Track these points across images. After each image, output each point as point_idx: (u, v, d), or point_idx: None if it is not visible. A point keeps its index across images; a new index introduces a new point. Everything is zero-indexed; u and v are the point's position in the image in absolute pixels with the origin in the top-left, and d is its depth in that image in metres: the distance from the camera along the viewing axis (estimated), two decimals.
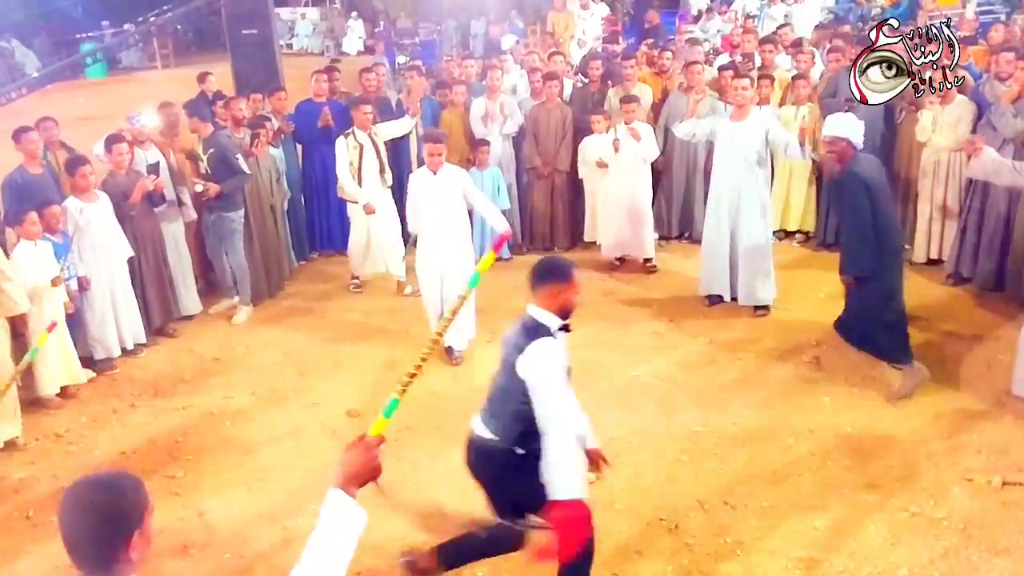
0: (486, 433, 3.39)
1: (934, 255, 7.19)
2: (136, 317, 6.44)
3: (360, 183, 7.08)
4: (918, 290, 6.84)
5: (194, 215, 7.11)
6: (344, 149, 7.08)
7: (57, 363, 5.71)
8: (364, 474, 1.88)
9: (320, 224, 8.47)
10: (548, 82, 8.06)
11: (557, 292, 3.20)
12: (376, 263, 7.45)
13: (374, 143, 7.15)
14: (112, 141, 6.42)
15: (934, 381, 5.36)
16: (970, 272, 6.74)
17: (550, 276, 3.23)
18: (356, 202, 7.17)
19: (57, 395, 5.70)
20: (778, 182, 7.94)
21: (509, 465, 3.29)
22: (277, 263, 7.61)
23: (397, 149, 8.37)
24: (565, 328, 3.23)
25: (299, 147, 8.32)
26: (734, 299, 6.64)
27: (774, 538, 4.01)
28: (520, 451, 3.25)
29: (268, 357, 6.37)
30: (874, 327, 5.28)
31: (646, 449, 4.84)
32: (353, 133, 7.13)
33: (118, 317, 6.27)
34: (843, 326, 5.57)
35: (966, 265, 6.76)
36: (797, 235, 8.09)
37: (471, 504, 4.40)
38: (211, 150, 6.71)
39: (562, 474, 3.03)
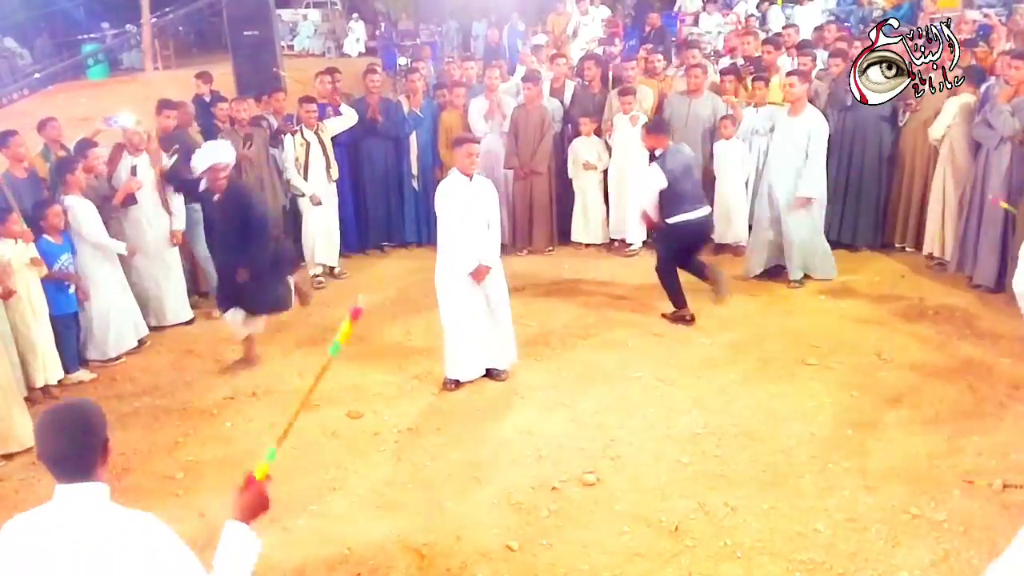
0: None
1: (937, 252, 7.22)
2: (137, 316, 6.45)
3: (307, 178, 7.62)
4: (916, 291, 6.86)
5: (182, 223, 6.96)
6: (291, 146, 7.55)
7: (46, 359, 5.76)
8: (258, 509, 2.28)
9: None
10: (526, 84, 8.09)
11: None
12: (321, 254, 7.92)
13: (320, 140, 7.63)
14: (86, 146, 6.50)
15: (937, 381, 5.37)
16: (971, 270, 6.74)
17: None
18: (303, 194, 7.68)
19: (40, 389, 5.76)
20: None
21: None
22: None
23: (399, 150, 8.40)
24: None
25: None
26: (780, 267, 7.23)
27: (775, 540, 4.01)
28: None
29: (269, 358, 6.37)
30: None
31: (647, 451, 4.83)
32: (300, 131, 7.56)
33: (119, 317, 6.29)
34: None
35: (968, 264, 6.76)
36: None
37: (471, 503, 4.42)
38: (176, 146, 6.82)
39: None
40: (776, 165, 7.02)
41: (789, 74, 7.11)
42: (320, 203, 7.71)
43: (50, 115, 7.05)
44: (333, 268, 8.06)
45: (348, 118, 7.94)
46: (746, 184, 7.86)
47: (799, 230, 6.95)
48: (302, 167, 7.57)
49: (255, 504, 2.28)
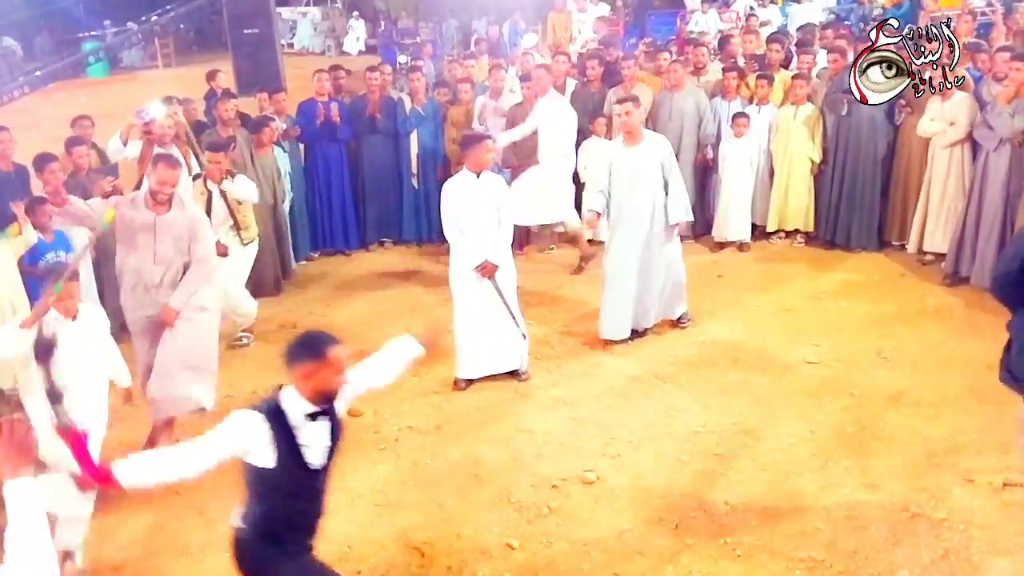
0: None
1: (926, 247, 7.23)
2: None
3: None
4: (916, 291, 6.86)
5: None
6: (190, 189, 6.15)
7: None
8: (15, 458, 2.01)
9: (322, 223, 8.51)
10: (524, 83, 8.08)
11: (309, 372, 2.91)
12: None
13: (224, 199, 6.36)
14: (72, 143, 6.54)
15: (937, 380, 5.38)
16: (968, 271, 6.73)
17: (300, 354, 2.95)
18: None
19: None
20: (777, 181, 7.94)
21: None
22: (274, 262, 7.59)
23: (398, 148, 8.39)
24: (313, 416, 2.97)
25: (301, 146, 8.34)
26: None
27: (775, 538, 4.01)
28: None
29: (269, 356, 6.36)
30: None
31: (647, 449, 4.84)
32: (204, 180, 6.33)
33: None
34: None
35: (964, 265, 6.75)
36: (798, 235, 8.08)
37: (472, 502, 4.43)
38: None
39: None
40: (628, 206, 5.98)
41: (620, 101, 6.11)
42: (226, 254, 6.25)
43: (84, 113, 7.20)
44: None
45: (247, 190, 6.48)
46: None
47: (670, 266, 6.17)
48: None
49: (12, 453, 2.02)
